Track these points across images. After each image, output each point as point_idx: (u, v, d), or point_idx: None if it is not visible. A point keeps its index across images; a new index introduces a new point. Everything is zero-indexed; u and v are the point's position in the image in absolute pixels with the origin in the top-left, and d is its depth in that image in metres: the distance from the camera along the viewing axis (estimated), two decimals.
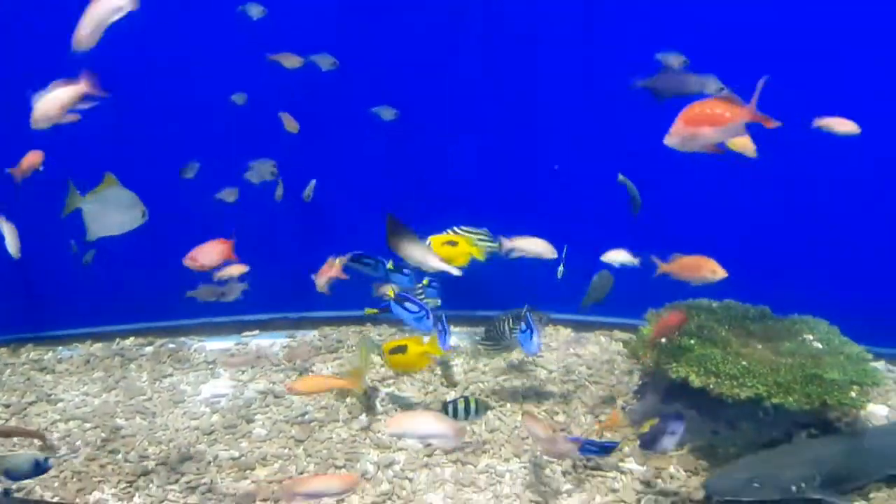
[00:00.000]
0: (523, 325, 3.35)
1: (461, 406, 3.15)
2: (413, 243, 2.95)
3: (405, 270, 3.70)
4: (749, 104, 2.13)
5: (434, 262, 2.91)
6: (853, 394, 2.90)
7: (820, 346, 3.30)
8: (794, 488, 2.72)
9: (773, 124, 2.12)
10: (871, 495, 2.93)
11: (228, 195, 3.98)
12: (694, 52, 3.19)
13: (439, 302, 3.97)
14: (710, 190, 3.97)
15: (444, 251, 3.53)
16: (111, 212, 2.77)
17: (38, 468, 2.83)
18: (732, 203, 4.02)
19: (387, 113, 4.03)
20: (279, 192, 4.06)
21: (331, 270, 3.56)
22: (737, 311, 3.65)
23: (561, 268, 3.62)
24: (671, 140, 2.27)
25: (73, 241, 3.92)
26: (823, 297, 3.69)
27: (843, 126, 3.19)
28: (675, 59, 3.21)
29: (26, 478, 2.88)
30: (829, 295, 3.74)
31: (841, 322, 3.51)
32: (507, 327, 3.78)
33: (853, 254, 3.96)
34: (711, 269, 3.06)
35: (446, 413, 3.14)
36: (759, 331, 3.50)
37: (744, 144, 2.97)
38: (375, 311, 3.94)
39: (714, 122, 2.19)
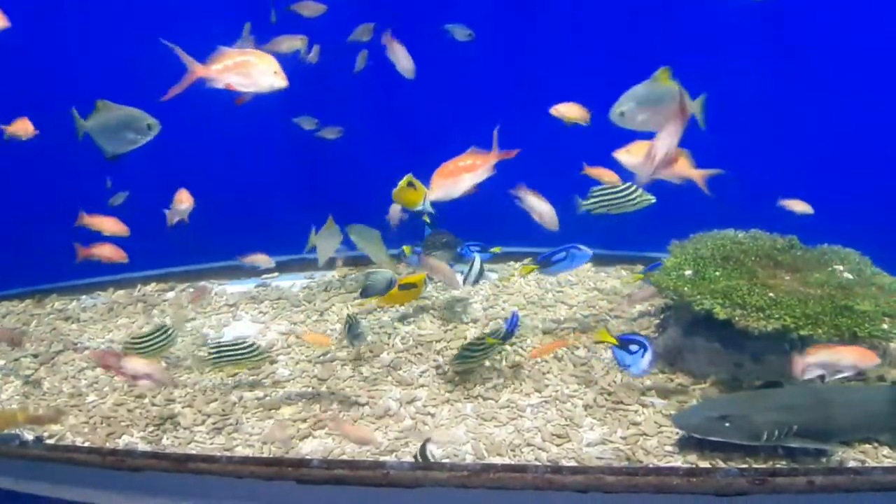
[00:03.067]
0: (634, 347, 2.97)
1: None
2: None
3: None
4: (492, 151, 2.66)
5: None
6: (885, 325, 2.80)
7: (850, 276, 3.19)
8: (765, 434, 2.58)
9: (513, 154, 2.68)
10: (858, 447, 2.74)
11: (329, 132, 3.94)
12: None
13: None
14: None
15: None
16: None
17: (390, 285, 3.67)
18: (758, 133, 3.87)
19: (460, 33, 3.81)
20: (311, 54, 3.84)
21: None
22: (764, 242, 3.53)
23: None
24: (435, 195, 2.71)
25: (108, 178, 3.93)
26: (854, 226, 3.56)
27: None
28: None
29: (377, 294, 3.70)
30: (859, 224, 3.60)
31: (873, 252, 3.40)
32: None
33: (885, 182, 3.81)
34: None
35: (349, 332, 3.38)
36: (788, 261, 3.39)
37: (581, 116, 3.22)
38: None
39: (470, 170, 2.68)
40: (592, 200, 3.20)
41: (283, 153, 4.17)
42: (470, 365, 3.33)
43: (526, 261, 4.29)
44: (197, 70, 2.26)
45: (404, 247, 4.22)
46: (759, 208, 3.66)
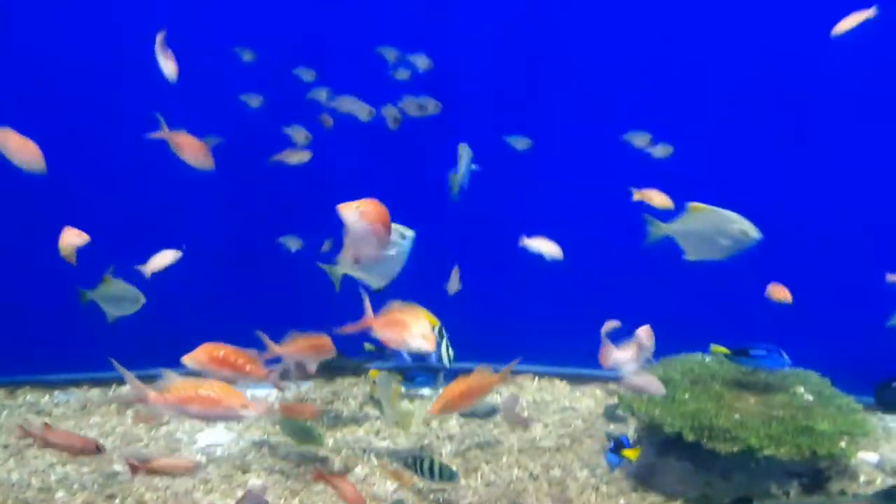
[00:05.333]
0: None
1: (426, 466, 3.11)
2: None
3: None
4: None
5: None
6: (843, 444, 2.96)
7: (811, 398, 3.39)
8: None
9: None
10: None
11: (291, 243, 4.17)
12: None
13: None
14: None
15: None
16: None
17: None
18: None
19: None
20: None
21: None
22: (730, 365, 3.72)
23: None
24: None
25: (112, 265, 4.01)
26: (813, 349, 3.75)
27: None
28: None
29: None
30: (818, 347, 3.80)
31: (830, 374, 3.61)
32: None
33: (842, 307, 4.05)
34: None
35: (415, 469, 3.13)
36: (752, 383, 3.58)
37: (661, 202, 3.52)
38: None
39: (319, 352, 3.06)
40: None
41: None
42: None
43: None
44: (369, 320, 2.51)
45: (371, 371, 4.22)
46: (725, 324, 3.82)
